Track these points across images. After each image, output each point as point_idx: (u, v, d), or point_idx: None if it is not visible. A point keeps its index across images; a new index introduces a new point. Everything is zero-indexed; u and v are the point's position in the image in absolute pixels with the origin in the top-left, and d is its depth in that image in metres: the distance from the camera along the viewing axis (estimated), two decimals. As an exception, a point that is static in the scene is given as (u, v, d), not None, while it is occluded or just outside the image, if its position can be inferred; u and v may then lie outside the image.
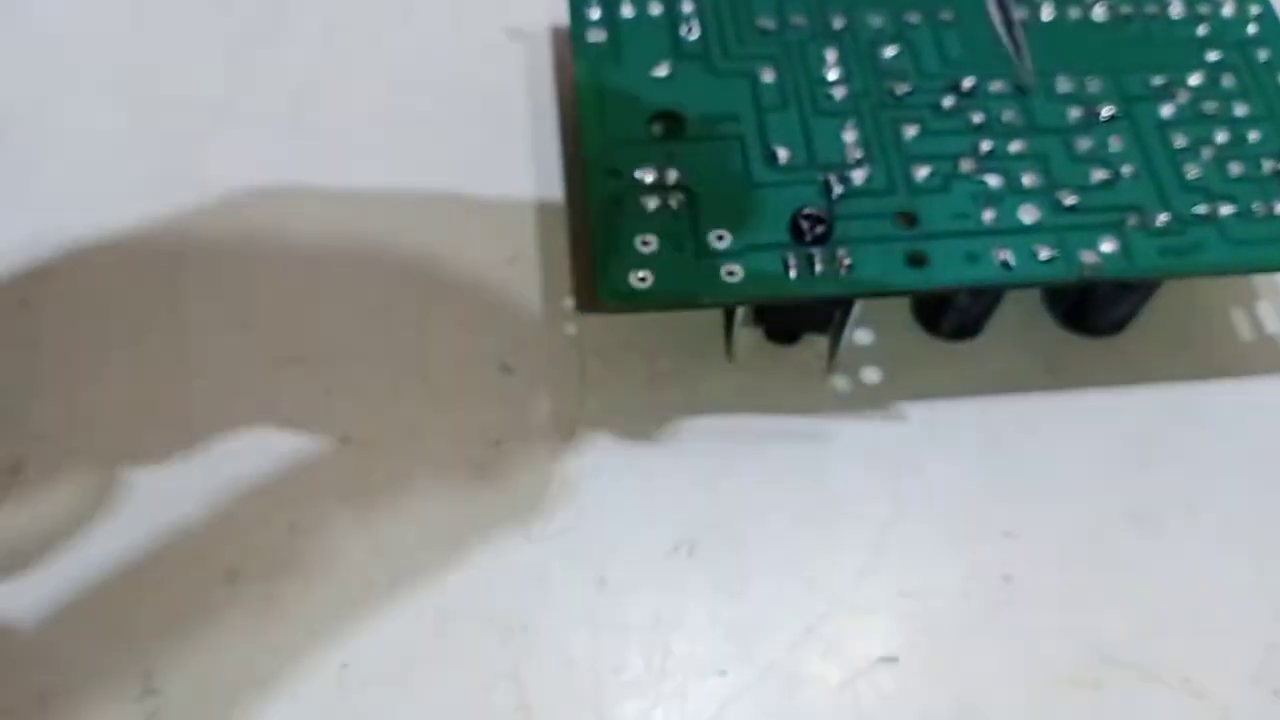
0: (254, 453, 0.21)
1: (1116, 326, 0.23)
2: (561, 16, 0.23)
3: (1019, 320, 0.23)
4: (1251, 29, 0.23)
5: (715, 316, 0.22)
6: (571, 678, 0.19)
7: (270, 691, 0.19)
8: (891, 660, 0.19)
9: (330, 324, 0.22)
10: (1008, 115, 0.21)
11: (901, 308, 0.23)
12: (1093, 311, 0.22)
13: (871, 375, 0.22)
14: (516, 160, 0.24)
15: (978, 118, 0.21)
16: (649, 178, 0.20)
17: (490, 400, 0.21)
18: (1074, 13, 0.23)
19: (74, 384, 0.21)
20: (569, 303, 0.22)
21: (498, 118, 0.25)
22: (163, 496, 0.20)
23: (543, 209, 0.24)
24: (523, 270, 0.23)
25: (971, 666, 0.19)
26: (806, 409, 0.22)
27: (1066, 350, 0.23)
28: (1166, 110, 0.22)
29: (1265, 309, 0.23)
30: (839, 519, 0.21)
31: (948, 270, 0.20)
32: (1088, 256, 0.20)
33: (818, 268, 0.19)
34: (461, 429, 0.21)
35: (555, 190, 0.24)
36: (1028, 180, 0.21)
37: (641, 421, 0.21)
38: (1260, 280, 0.24)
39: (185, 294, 0.22)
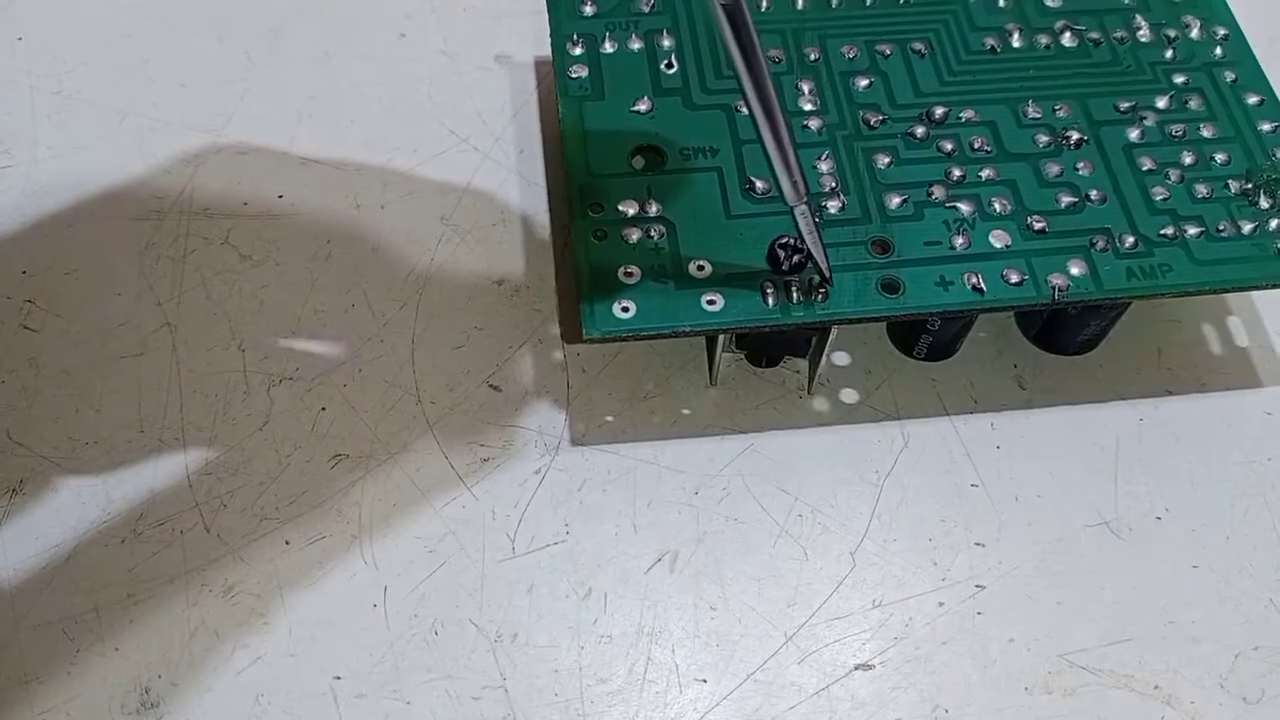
0: (248, 470, 0.21)
1: (1087, 346, 0.23)
2: (545, 49, 0.23)
3: (993, 338, 0.23)
4: (1218, 51, 0.23)
5: (698, 339, 0.22)
6: (558, 687, 0.20)
7: (265, 704, 0.19)
8: (867, 667, 0.20)
9: (322, 345, 0.23)
10: (978, 142, 0.22)
11: (877, 329, 0.23)
12: (1063, 332, 0.23)
13: (849, 395, 0.23)
14: (504, 186, 0.25)
15: (949, 146, 0.22)
16: (631, 210, 0.21)
17: (479, 418, 0.22)
18: (1043, 39, 0.23)
19: (73, 405, 0.22)
20: (555, 324, 0.23)
21: (487, 145, 0.25)
22: (159, 514, 0.21)
23: (530, 233, 0.24)
24: (511, 291, 0.23)
25: (945, 673, 0.20)
26: (786, 427, 0.22)
27: (1039, 367, 0.23)
28: (1134, 134, 0.22)
29: (1236, 324, 0.24)
30: (817, 532, 0.21)
31: (921, 296, 0.20)
32: (1057, 280, 0.20)
33: (795, 296, 0.20)
34: (451, 446, 0.22)
35: (542, 215, 0.24)
36: (998, 206, 0.21)
37: (625, 439, 0.22)
38: (1232, 295, 0.24)
39: (181, 316, 0.23)
